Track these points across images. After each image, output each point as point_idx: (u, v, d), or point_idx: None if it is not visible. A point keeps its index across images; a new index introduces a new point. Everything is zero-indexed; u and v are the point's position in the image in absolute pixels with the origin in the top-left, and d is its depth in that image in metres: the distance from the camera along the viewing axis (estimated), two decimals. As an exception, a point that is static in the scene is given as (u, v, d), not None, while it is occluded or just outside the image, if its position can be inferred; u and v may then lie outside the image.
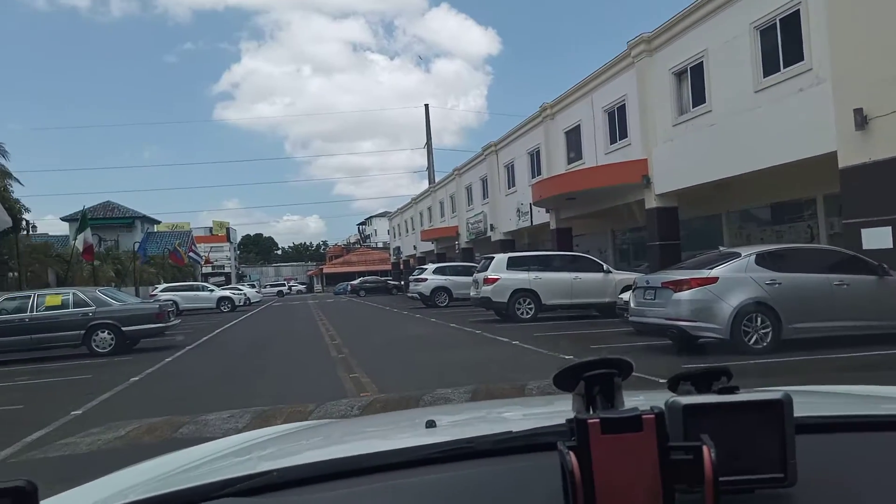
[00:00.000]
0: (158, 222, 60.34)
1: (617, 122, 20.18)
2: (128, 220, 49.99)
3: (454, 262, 32.01)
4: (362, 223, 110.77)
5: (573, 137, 23.11)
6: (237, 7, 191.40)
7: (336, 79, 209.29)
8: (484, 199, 33.24)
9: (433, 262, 32.97)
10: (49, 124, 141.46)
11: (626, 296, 12.06)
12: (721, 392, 0.78)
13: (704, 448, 0.67)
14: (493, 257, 16.65)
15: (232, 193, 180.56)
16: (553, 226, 24.22)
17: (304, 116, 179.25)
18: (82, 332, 13.26)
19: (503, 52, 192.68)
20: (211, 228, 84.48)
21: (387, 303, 33.81)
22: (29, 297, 13.56)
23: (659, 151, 17.78)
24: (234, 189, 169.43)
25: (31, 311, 13.22)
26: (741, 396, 0.76)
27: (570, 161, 23.44)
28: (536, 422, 1.03)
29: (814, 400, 1.31)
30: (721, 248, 11.01)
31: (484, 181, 33.15)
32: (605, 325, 14.47)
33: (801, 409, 0.80)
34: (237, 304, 34.62)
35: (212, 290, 35.42)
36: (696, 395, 0.80)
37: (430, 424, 1.17)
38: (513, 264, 16.35)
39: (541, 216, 25.56)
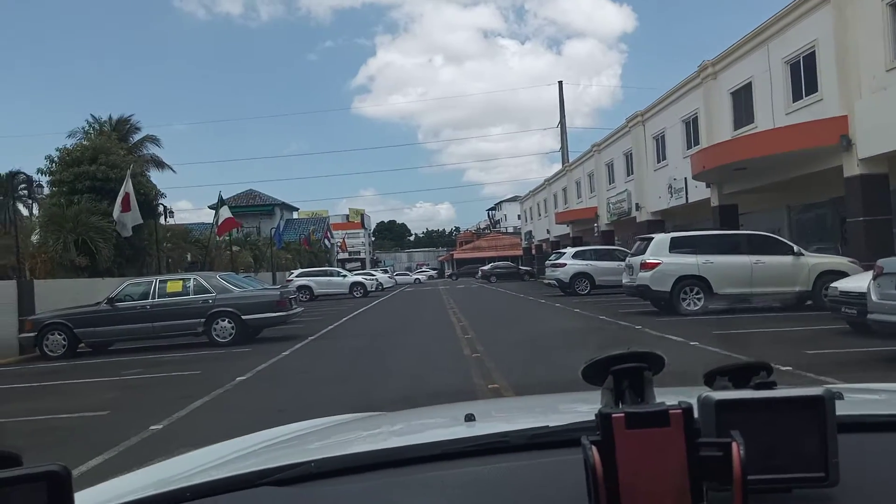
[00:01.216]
0: (297, 209, 62.21)
1: (803, 75, 16.70)
2: (268, 208, 51.64)
3: (593, 245, 29.23)
4: (492, 208, 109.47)
5: (742, 98, 19.69)
6: (373, 3, 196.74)
7: (467, 66, 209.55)
8: (628, 175, 30.16)
9: (569, 246, 30.38)
10: (206, 120, 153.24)
11: (844, 285, 9.19)
12: (758, 387, 0.74)
13: (733, 444, 0.63)
14: (652, 238, 14.05)
15: (368, 182, 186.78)
16: (715, 202, 20.95)
17: (436, 105, 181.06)
18: (202, 319, 12.44)
19: (639, 28, 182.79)
20: (347, 216, 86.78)
21: (520, 290, 31.80)
22: (151, 282, 12.95)
23: (864, 105, 14.26)
24: (369, 178, 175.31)
25: (153, 297, 12.59)
26: (779, 392, 0.72)
27: (737, 126, 20.05)
28: (577, 416, 0.99)
29: (866, 397, 1.27)
30: None
31: (628, 156, 30.05)
32: (800, 320, 11.56)
33: (850, 408, 0.81)
34: (369, 289, 34.12)
35: (344, 276, 35.19)
36: (731, 391, 0.75)
37: (469, 418, 1.15)
38: (676, 246, 13.69)
39: (698, 192, 22.32)
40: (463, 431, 1.09)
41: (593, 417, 0.69)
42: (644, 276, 13.59)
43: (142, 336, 12.64)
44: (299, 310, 13.96)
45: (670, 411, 0.64)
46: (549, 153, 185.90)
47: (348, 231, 75.37)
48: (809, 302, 13.40)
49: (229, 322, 12.46)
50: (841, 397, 0.86)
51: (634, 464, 0.64)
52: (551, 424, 0.98)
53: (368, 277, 36.67)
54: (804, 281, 13.30)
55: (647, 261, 13.56)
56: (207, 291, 12.62)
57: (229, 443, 1.41)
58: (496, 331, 13.02)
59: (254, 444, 1.36)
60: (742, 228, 19.51)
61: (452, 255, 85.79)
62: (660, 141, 26.46)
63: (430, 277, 70.16)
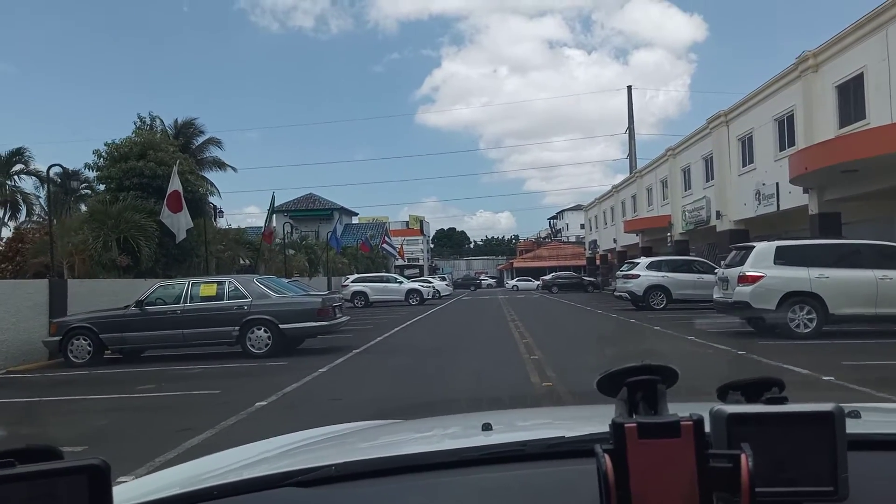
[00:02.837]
0: (356, 214, 61.67)
1: (932, 60, 14.32)
2: (327, 212, 51.07)
3: (665, 255, 26.87)
4: (553, 217, 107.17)
5: (851, 91, 17.30)
6: (439, 15, 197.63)
7: (532, 77, 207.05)
8: (707, 181, 27.76)
9: (642, 256, 28.13)
10: (276, 126, 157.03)
11: None
12: (769, 402, 0.75)
13: (742, 456, 0.64)
14: (753, 246, 11.98)
15: (429, 190, 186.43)
16: (814, 210, 18.55)
17: (499, 115, 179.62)
18: (237, 328, 11.19)
19: (709, 37, 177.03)
20: (407, 222, 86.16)
21: (585, 301, 29.73)
22: (183, 285, 11.79)
23: None
24: (430, 187, 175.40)
25: (185, 301, 11.43)
26: (790, 407, 0.73)
27: (843, 123, 17.65)
28: (594, 427, 0.98)
29: (883, 418, 1.28)
30: None
31: (707, 160, 27.65)
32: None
33: (866, 427, 0.85)
34: (426, 297, 32.69)
35: (401, 282, 33.91)
36: (743, 405, 0.77)
37: (487, 427, 1.16)
38: (783, 256, 11.60)
39: (792, 199, 19.94)
40: (481, 440, 1.08)
41: (608, 429, 0.70)
42: (743, 292, 11.55)
43: (171, 344, 11.51)
44: (344, 318, 12.57)
45: (682, 423, 0.64)
46: (613, 162, 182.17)
47: (407, 238, 74.49)
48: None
49: (265, 331, 11.16)
50: (858, 416, 0.87)
51: (646, 473, 0.64)
52: (567, 435, 0.99)
53: (425, 285, 35.26)
54: (943, 302, 11.02)
55: (748, 273, 11.52)
56: (243, 297, 11.37)
57: (256, 444, 1.48)
58: (567, 352, 11.24)
59: (278, 446, 1.39)
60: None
61: (512, 263, 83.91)
62: (746, 143, 24.05)
63: (490, 286, 60.85)
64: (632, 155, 50.54)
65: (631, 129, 51.71)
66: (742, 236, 24.64)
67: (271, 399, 7.11)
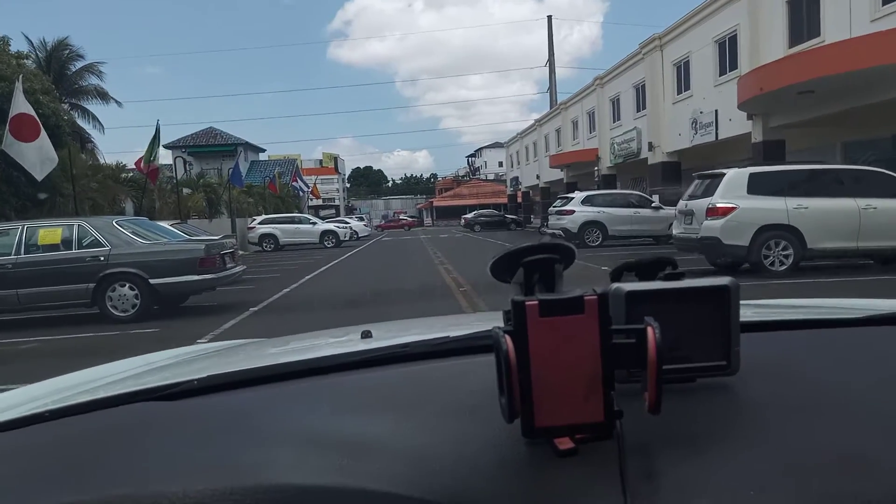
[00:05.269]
0: (264, 151, 57.33)
1: (903, -35, 12.92)
2: (230, 148, 46.63)
3: (600, 190, 25.55)
4: (472, 155, 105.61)
5: (804, 5, 15.87)
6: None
7: (447, 11, 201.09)
8: (638, 111, 26.38)
9: (575, 192, 26.70)
10: (171, 52, 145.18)
11: None
12: (667, 279, 0.73)
13: (648, 329, 0.60)
14: (723, 174, 10.35)
15: (344, 128, 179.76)
16: (758, 138, 17.36)
17: (415, 51, 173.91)
18: (91, 285, 8.59)
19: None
20: (321, 161, 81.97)
21: (512, 240, 28.14)
22: (15, 230, 8.92)
23: None
24: (345, 125, 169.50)
25: (17, 252, 8.65)
26: (688, 283, 0.71)
27: (793, 42, 16.30)
28: (480, 328, 0.95)
29: (761, 310, 1.29)
30: None
31: (639, 89, 26.20)
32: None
33: (747, 316, 0.81)
34: (342, 238, 30.22)
35: (314, 223, 31.21)
36: (640, 283, 0.73)
37: (366, 335, 1.13)
38: (757, 185, 10.05)
39: (733, 127, 18.75)
40: (360, 346, 1.05)
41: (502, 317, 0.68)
42: (712, 226, 9.96)
43: (2, 307, 8.77)
44: (239, 269, 10.13)
45: (585, 297, 0.61)
46: (531, 100, 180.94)
47: (321, 176, 70.77)
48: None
49: (131, 288, 8.62)
50: None
51: (547, 353, 0.61)
52: (452, 335, 0.97)
53: (342, 225, 32.70)
54: (928, 233, 9.84)
55: (719, 205, 9.90)
56: (99, 245, 8.71)
57: (104, 367, 1.30)
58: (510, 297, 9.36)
59: (128, 368, 1.26)
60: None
61: (432, 202, 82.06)
62: (682, 68, 22.61)
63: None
64: (552, 88, 48.98)
65: (551, 61, 49.93)
66: (674, 169, 23.58)
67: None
